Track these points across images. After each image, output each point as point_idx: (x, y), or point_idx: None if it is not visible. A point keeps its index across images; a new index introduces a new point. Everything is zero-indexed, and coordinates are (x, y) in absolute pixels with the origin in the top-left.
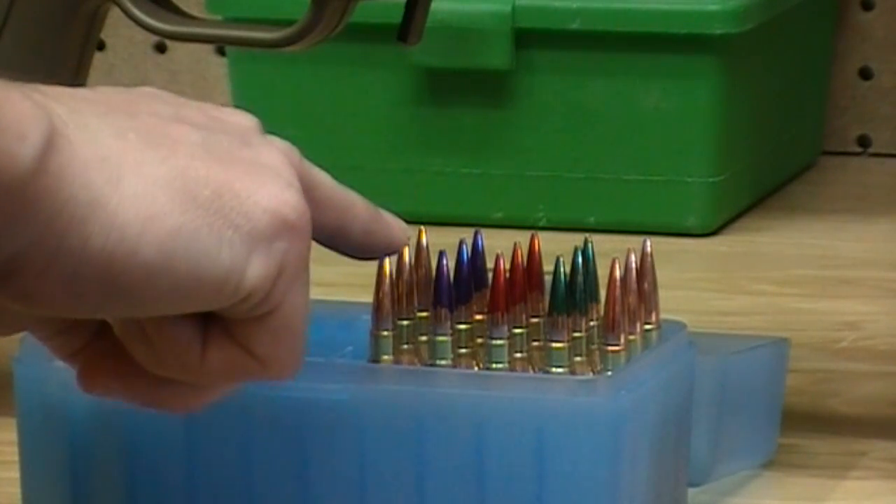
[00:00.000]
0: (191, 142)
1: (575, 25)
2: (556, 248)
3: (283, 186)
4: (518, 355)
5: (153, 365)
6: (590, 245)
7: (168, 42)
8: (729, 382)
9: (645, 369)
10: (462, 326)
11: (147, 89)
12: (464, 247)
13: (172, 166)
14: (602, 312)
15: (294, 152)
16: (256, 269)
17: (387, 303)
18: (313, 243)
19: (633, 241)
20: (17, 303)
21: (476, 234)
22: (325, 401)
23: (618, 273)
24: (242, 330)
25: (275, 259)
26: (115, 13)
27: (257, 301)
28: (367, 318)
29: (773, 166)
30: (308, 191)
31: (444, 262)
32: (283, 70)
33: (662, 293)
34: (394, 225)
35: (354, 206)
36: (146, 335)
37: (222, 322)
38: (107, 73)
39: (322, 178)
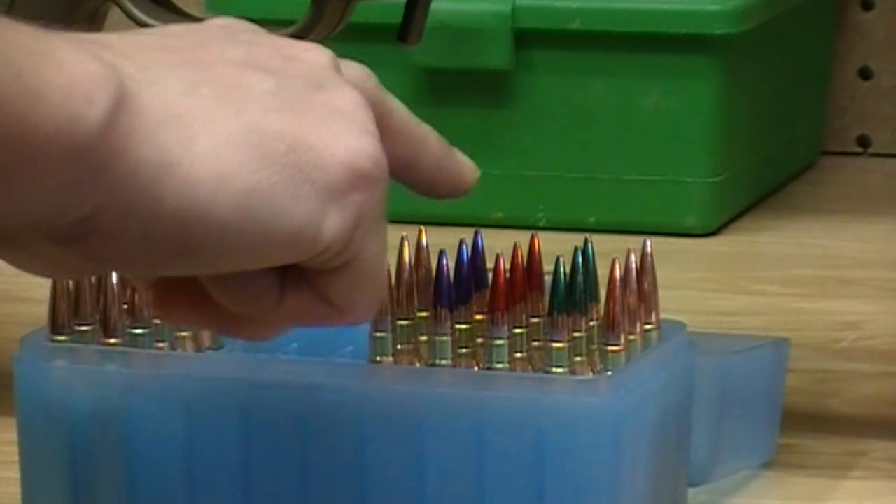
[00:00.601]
0: (264, 91)
1: (575, 25)
2: (556, 248)
3: (359, 135)
4: (518, 355)
5: (230, 303)
6: (590, 245)
7: None
8: (729, 382)
9: (645, 369)
10: (462, 326)
11: (219, 21)
12: (464, 247)
13: (246, 121)
14: (602, 312)
15: (370, 80)
16: (333, 223)
17: (387, 303)
18: None
19: (633, 241)
20: (91, 262)
21: (476, 234)
22: (325, 401)
23: (618, 273)
24: (320, 279)
25: (351, 211)
26: (115, 13)
27: (334, 253)
28: None
29: (773, 166)
30: (383, 119)
31: (445, 262)
32: None
33: (662, 293)
34: (465, 163)
35: (427, 138)
36: (224, 279)
37: (300, 270)
38: None
39: (397, 107)
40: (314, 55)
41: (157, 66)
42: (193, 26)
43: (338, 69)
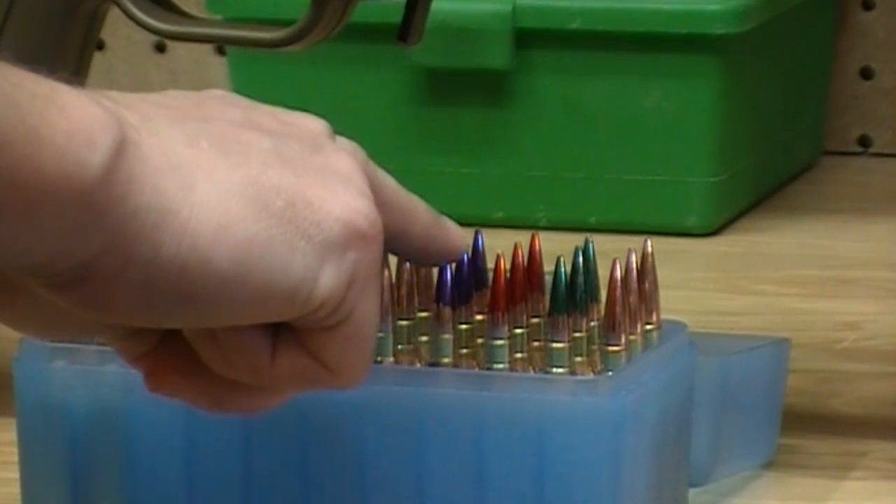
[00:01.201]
0: (263, 148)
1: (575, 25)
2: (557, 248)
3: (356, 195)
4: (518, 355)
5: (221, 368)
6: (590, 245)
7: (168, 42)
8: (729, 382)
9: (645, 369)
10: (462, 326)
11: (215, 92)
12: None
13: (245, 174)
14: (602, 312)
15: (360, 153)
16: (328, 280)
17: (387, 303)
18: None
19: (634, 241)
20: (89, 310)
21: (476, 234)
22: (325, 401)
23: (618, 273)
24: (312, 339)
25: (346, 269)
26: (115, 13)
27: (329, 311)
28: None
29: (773, 166)
30: (374, 192)
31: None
32: (283, 70)
33: (663, 293)
34: (453, 232)
35: (417, 210)
36: (216, 338)
37: (293, 330)
38: (106, 73)
39: (387, 180)
40: (310, 122)
41: (158, 118)
42: (192, 93)
43: (332, 137)
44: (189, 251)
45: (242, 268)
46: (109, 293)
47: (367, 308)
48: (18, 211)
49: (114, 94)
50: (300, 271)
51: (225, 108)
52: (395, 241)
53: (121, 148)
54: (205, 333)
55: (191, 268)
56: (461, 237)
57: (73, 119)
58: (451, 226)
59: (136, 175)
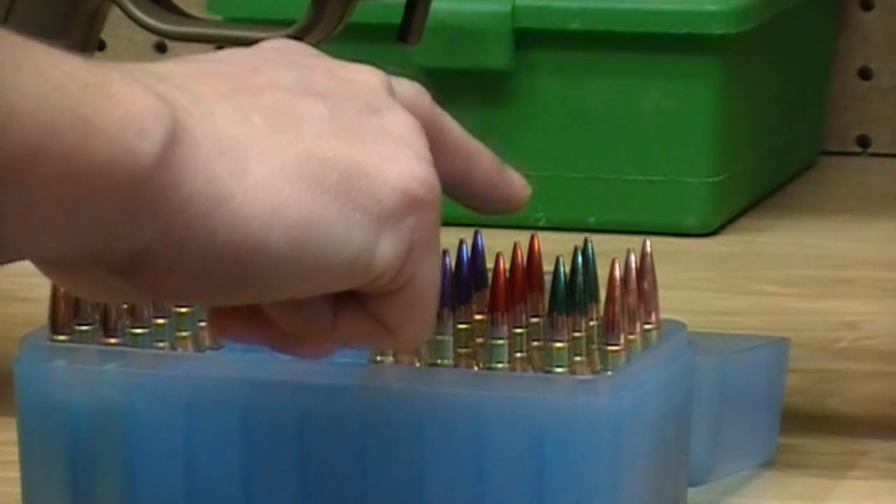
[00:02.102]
0: (317, 116)
1: (575, 25)
2: (556, 248)
3: (412, 159)
4: (518, 355)
5: (284, 323)
6: (590, 245)
7: (168, 42)
8: (729, 382)
9: (645, 369)
10: (462, 326)
11: (273, 44)
12: (464, 247)
13: (298, 150)
14: (602, 312)
15: (423, 97)
16: (386, 249)
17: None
18: None
19: (633, 241)
20: (147, 294)
21: (476, 234)
22: (325, 401)
23: (618, 273)
24: (374, 303)
25: (404, 237)
26: (115, 13)
27: (388, 279)
28: None
29: (773, 166)
30: (437, 136)
31: (446, 261)
32: None
33: (662, 293)
34: (516, 181)
35: (480, 155)
36: (279, 302)
37: (353, 294)
38: None
39: (450, 124)
40: (368, 77)
41: (210, 96)
42: (246, 51)
43: (391, 91)
44: (244, 235)
45: (298, 247)
46: (165, 279)
47: (428, 271)
48: (70, 200)
49: (167, 68)
50: (357, 244)
51: (279, 70)
52: (458, 188)
53: (173, 136)
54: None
55: (246, 252)
56: (524, 187)
57: (124, 108)
58: (514, 176)
59: (188, 162)
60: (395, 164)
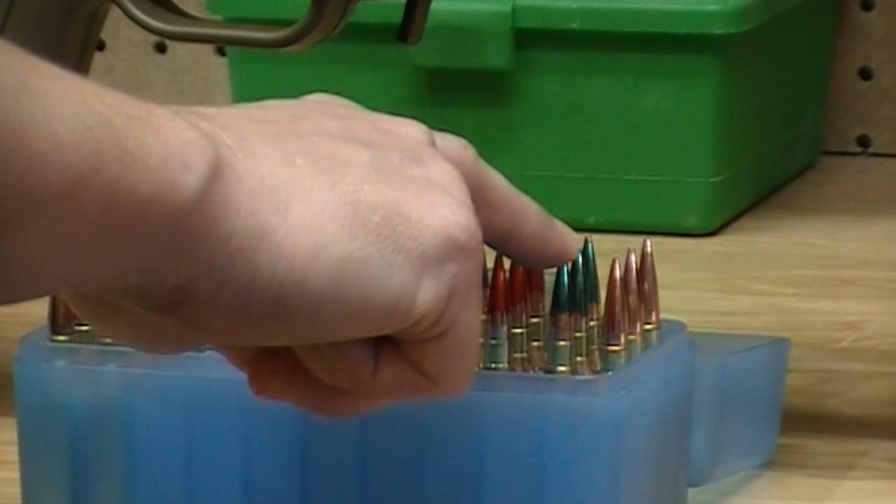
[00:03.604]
0: (360, 163)
1: (575, 25)
2: None
3: (454, 206)
4: (518, 355)
5: (324, 375)
6: (590, 245)
7: (168, 42)
8: (729, 382)
9: (645, 369)
10: None
11: (317, 98)
12: None
13: (341, 192)
14: (602, 312)
15: (468, 153)
16: (427, 294)
17: None
18: None
19: (633, 241)
20: (187, 331)
21: None
22: None
23: (618, 273)
24: (414, 350)
25: (445, 282)
26: (115, 13)
27: (429, 324)
28: None
29: (773, 166)
30: (481, 192)
31: None
32: (283, 70)
33: (662, 293)
34: (566, 235)
35: (527, 210)
36: (318, 349)
37: (394, 341)
38: (107, 73)
39: (496, 179)
40: (410, 130)
41: (254, 138)
42: (291, 101)
43: (433, 143)
44: (285, 273)
45: (339, 287)
46: (207, 315)
47: (469, 319)
48: (113, 232)
49: (211, 111)
50: (398, 287)
51: (323, 119)
52: (505, 242)
53: (216, 171)
54: (309, 346)
55: (287, 290)
56: (573, 240)
57: (168, 141)
58: (562, 228)
59: (231, 198)
60: (437, 210)
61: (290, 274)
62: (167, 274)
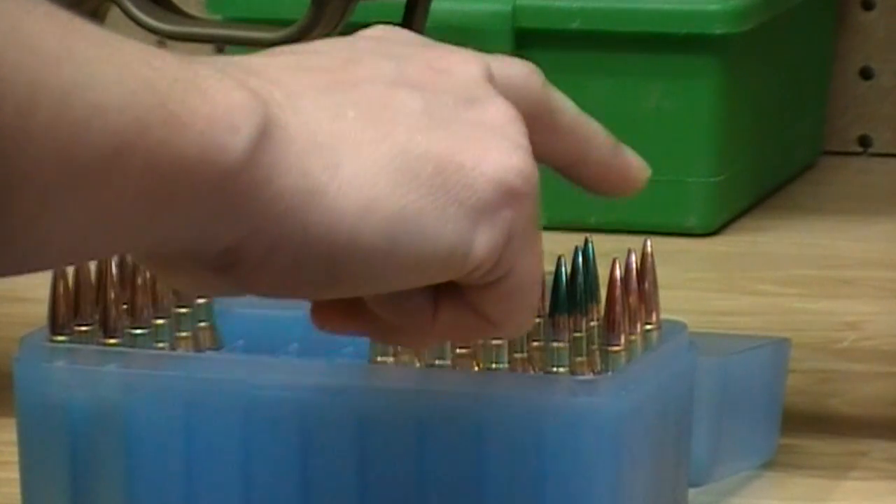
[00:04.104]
0: (412, 110)
1: (575, 25)
2: (556, 248)
3: (509, 150)
4: (518, 355)
5: (386, 315)
6: (590, 245)
7: (168, 42)
8: (729, 382)
9: (645, 369)
10: None
11: (372, 32)
12: None
13: (392, 144)
14: (602, 313)
15: (533, 80)
16: (483, 241)
17: None
18: None
19: (634, 241)
20: (241, 290)
21: None
22: (325, 401)
23: (618, 273)
24: (474, 295)
25: (502, 228)
26: (115, 13)
27: (486, 270)
28: None
29: (773, 166)
30: (549, 116)
31: None
32: None
33: (663, 293)
34: (633, 163)
35: (596, 136)
36: (379, 295)
37: (454, 286)
38: None
39: (565, 104)
40: (467, 67)
41: (305, 91)
42: (345, 40)
43: (491, 80)
44: (337, 230)
45: (392, 242)
46: (260, 274)
47: (527, 262)
48: (161, 195)
49: (262, 62)
50: (453, 237)
51: (377, 61)
52: (572, 168)
53: (265, 131)
54: None
55: (340, 246)
56: (643, 168)
57: (215, 104)
58: (631, 156)
59: (280, 157)
60: (492, 156)
61: (342, 231)
62: (216, 237)
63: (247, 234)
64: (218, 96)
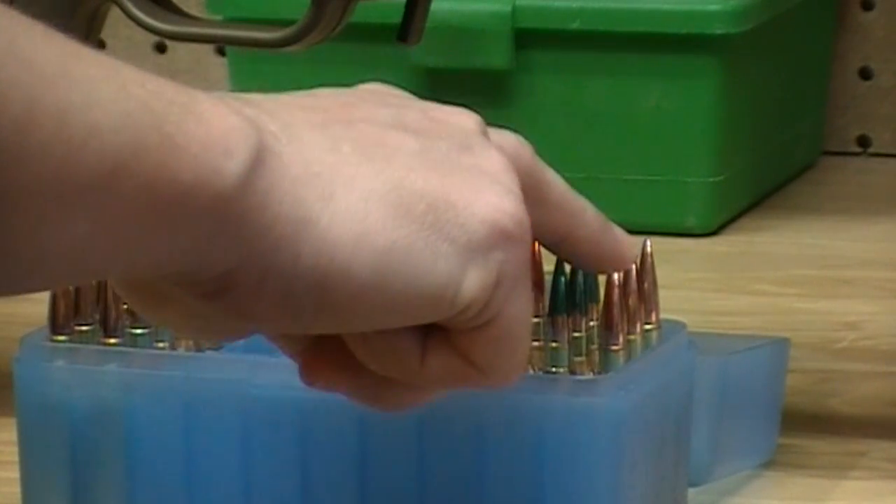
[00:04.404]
0: (408, 150)
1: (575, 25)
2: None
3: (502, 194)
4: None
5: (374, 365)
6: None
7: (168, 42)
8: (729, 382)
9: (645, 369)
10: None
11: (369, 87)
12: None
13: (387, 179)
14: (602, 312)
15: (524, 151)
16: (473, 282)
17: None
18: None
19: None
20: (233, 318)
21: None
22: (324, 400)
23: (618, 273)
24: (462, 339)
25: (492, 270)
26: (115, 13)
27: (475, 312)
28: None
29: (773, 166)
30: (538, 190)
31: None
32: (283, 70)
33: (662, 293)
34: (622, 240)
35: (585, 212)
36: (367, 338)
37: (442, 330)
38: None
39: (554, 179)
40: (462, 119)
41: (301, 124)
42: (341, 90)
43: (485, 133)
44: (328, 261)
45: (383, 276)
46: (251, 303)
47: (517, 308)
48: (154, 219)
49: (258, 98)
50: (443, 275)
51: (374, 107)
52: (561, 243)
53: (259, 157)
54: (356, 333)
55: (331, 277)
56: (630, 245)
57: (210, 127)
58: (619, 233)
59: (274, 184)
60: (485, 197)
61: (333, 262)
62: (210, 262)
63: (240, 259)
64: (214, 120)
